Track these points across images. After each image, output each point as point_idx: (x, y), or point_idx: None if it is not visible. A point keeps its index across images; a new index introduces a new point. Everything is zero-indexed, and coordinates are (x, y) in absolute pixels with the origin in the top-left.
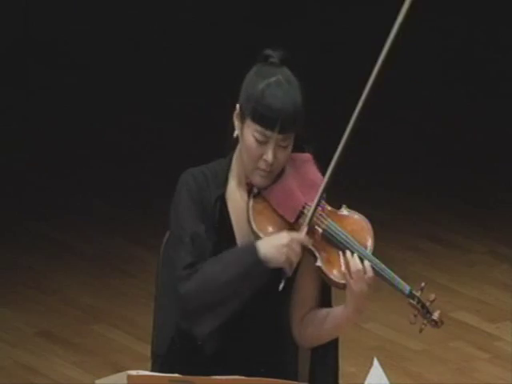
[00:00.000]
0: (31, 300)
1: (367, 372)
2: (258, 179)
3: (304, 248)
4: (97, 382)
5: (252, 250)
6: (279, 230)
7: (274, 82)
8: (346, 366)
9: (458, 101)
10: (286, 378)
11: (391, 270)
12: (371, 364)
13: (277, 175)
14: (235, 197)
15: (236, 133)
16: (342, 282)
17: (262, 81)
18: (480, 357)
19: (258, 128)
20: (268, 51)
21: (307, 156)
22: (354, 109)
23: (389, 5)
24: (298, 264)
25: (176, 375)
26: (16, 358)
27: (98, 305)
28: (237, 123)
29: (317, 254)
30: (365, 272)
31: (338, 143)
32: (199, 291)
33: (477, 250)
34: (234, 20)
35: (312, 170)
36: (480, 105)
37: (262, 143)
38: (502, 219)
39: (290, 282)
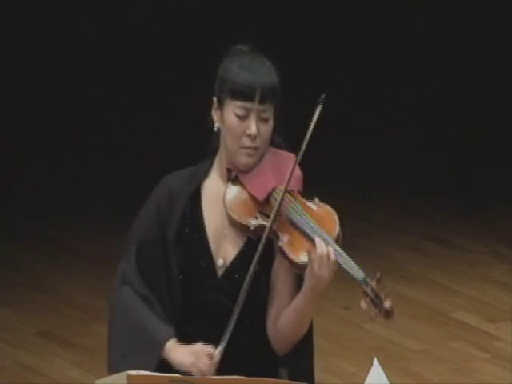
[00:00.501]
0: (31, 300)
1: (367, 372)
2: (243, 159)
3: (272, 232)
4: (97, 382)
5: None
6: (249, 209)
7: (246, 60)
8: (346, 366)
9: (458, 101)
10: (276, 376)
11: (351, 258)
12: (371, 364)
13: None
14: (213, 188)
15: (216, 125)
16: (301, 262)
17: (235, 62)
18: (480, 357)
19: (239, 103)
20: (238, 45)
21: (291, 155)
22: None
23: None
24: (271, 261)
25: (176, 375)
26: (16, 358)
27: (98, 305)
28: (216, 116)
29: (280, 235)
30: (328, 257)
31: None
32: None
33: (477, 250)
34: (235, 20)
35: (291, 166)
36: (480, 105)
37: (243, 118)
38: (502, 219)
39: (266, 280)
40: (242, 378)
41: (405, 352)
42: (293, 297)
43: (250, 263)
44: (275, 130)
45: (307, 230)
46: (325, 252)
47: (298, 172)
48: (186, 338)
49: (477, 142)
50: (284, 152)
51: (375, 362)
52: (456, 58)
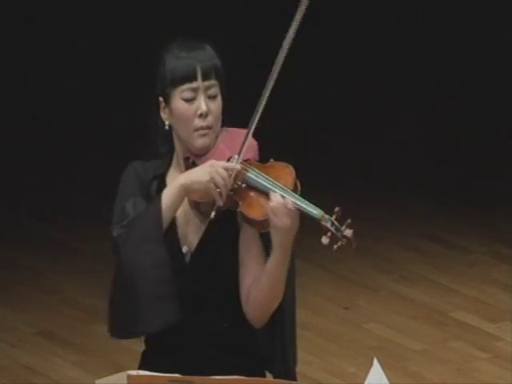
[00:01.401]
0: (31, 300)
1: (367, 372)
2: (199, 141)
3: (232, 202)
4: (97, 382)
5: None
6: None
7: (181, 49)
8: (346, 366)
9: (458, 101)
10: (260, 361)
11: (311, 203)
12: (371, 364)
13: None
14: (174, 179)
15: (167, 123)
16: (262, 219)
17: (170, 56)
18: (480, 357)
19: (183, 87)
20: (169, 45)
21: (244, 130)
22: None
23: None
24: (237, 240)
25: (176, 375)
26: (16, 358)
27: (98, 305)
28: (165, 114)
29: (239, 202)
30: (286, 205)
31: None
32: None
33: (477, 250)
34: (235, 20)
35: (244, 135)
36: (480, 105)
37: (191, 100)
38: (502, 219)
39: (234, 260)
40: (242, 378)
41: (405, 352)
42: (261, 266)
43: (215, 247)
44: (225, 110)
45: (264, 188)
46: (280, 201)
47: (252, 142)
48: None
49: (477, 142)
50: (237, 128)
51: (375, 362)
52: (456, 57)
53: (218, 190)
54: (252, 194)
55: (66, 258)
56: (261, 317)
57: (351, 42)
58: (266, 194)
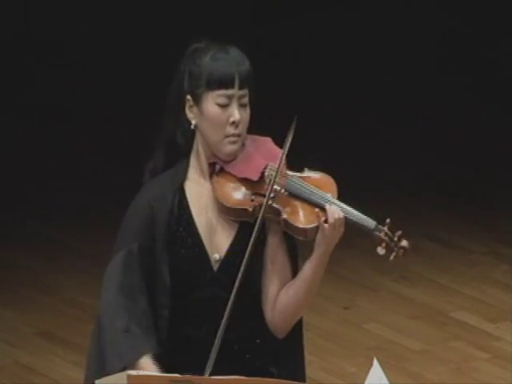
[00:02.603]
0: (31, 300)
1: (367, 372)
2: (228, 148)
3: (271, 210)
4: (97, 382)
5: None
6: (244, 193)
7: (216, 50)
8: (346, 366)
9: (458, 101)
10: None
11: (357, 210)
12: (371, 364)
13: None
14: (195, 186)
15: (194, 123)
16: (309, 227)
17: (205, 56)
18: (480, 357)
19: (219, 92)
20: (196, 44)
21: (268, 138)
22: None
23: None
24: (263, 247)
25: (176, 375)
26: (16, 358)
27: (98, 305)
28: (192, 114)
29: (281, 209)
30: (341, 218)
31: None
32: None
33: (477, 250)
34: (235, 19)
35: (272, 147)
36: (480, 105)
37: (225, 107)
38: (502, 219)
39: (259, 266)
40: (242, 378)
41: (405, 352)
42: (292, 272)
43: (245, 250)
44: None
45: (310, 197)
46: (336, 216)
47: (280, 151)
48: (184, 341)
49: (477, 142)
50: (260, 137)
51: (375, 361)
52: (456, 56)
53: None
54: (295, 202)
55: (66, 257)
56: (288, 325)
57: (351, 40)
58: (310, 202)
